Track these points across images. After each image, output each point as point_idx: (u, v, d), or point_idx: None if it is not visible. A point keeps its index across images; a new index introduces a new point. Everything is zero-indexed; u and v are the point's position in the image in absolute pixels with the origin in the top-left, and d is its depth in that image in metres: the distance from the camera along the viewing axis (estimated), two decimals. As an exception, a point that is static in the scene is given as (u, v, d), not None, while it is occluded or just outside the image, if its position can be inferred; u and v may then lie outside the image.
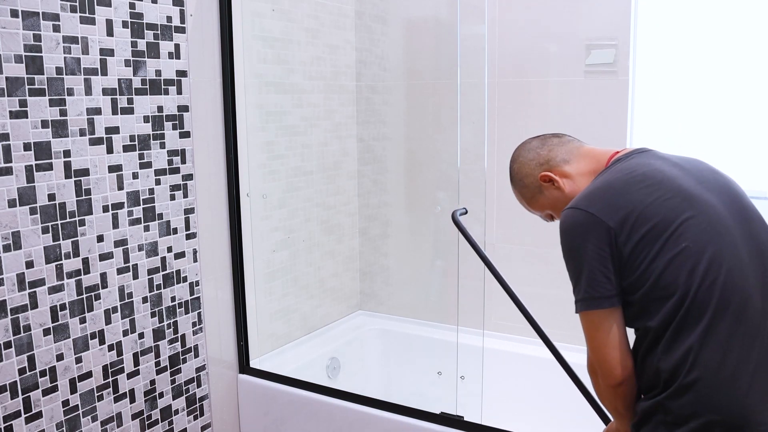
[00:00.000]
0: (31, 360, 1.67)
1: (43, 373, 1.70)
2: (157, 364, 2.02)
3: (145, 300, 1.96)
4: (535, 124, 2.49)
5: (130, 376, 1.93)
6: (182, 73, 2.01)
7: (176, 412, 2.10)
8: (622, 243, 1.15)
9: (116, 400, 1.90)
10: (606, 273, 1.15)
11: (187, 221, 2.08)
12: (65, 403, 1.76)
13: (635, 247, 1.14)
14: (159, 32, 1.93)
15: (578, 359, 2.27)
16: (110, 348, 1.86)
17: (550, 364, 2.34)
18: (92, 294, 1.80)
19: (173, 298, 2.05)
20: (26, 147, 1.61)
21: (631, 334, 1.22)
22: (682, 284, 1.11)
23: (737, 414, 1.07)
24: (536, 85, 2.50)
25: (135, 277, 1.92)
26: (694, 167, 1.25)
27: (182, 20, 1.99)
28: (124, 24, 1.82)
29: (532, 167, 1.37)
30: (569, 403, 2.38)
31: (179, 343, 2.09)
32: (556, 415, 2.34)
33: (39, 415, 1.70)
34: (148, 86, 1.91)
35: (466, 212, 1.91)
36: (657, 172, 1.20)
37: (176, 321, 2.07)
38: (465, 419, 1.95)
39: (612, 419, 1.32)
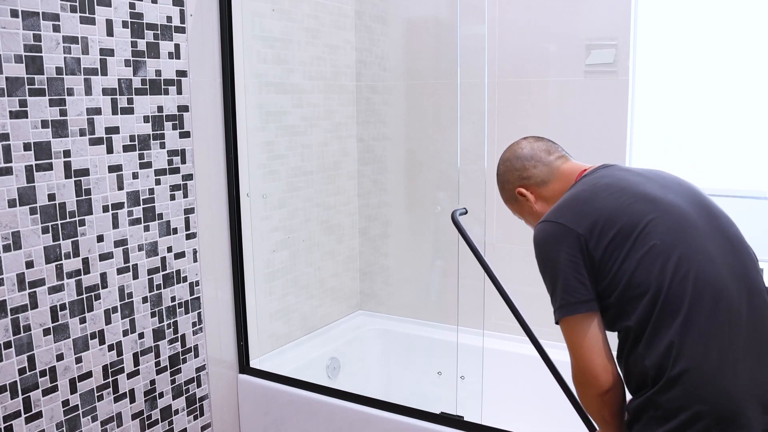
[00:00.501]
0: (31, 360, 1.67)
1: (43, 373, 1.70)
2: (157, 364, 2.02)
3: (145, 300, 1.96)
4: (535, 124, 2.49)
5: (130, 376, 1.93)
6: (182, 73, 2.01)
7: (176, 412, 2.10)
8: (592, 248, 1.19)
9: (116, 400, 1.90)
10: (580, 279, 1.19)
11: (187, 221, 2.08)
12: (65, 403, 1.76)
13: (605, 250, 1.18)
14: (159, 32, 1.93)
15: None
16: (110, 348, 1.87)
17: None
18: (92, 294, 1.80)
19: (173, 298, 2.05)
20: (26, 147, 1.61)
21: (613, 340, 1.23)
22: (654, 281, 1.14)
23: (724, 403, 1.09)
24: (536, 85, 2.50)
25: (135, 277, 1.92)
26: (657, 175, 1.31)
27: (182, 20, 1.99)
28: (124, 24, 1.82)
29: (514, 177, 1.45)
30: (569, 403, 2.38)
31: (179, 343, 2.09)
32: (555, 416, 2.34)
33: (39, 415, 1.70)
34: (148, 86, 1.91)
35: (466, 212, 1.92)
36: (620, 180, 1.26)
37: (176, 321, 2.07)
38: (465, 419, 1.95)
39: (597, 428, 1.32)
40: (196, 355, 2.16)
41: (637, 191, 1.23)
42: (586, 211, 1.22)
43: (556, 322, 1.24)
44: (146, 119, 1.91)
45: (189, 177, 2.07)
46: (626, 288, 1.16)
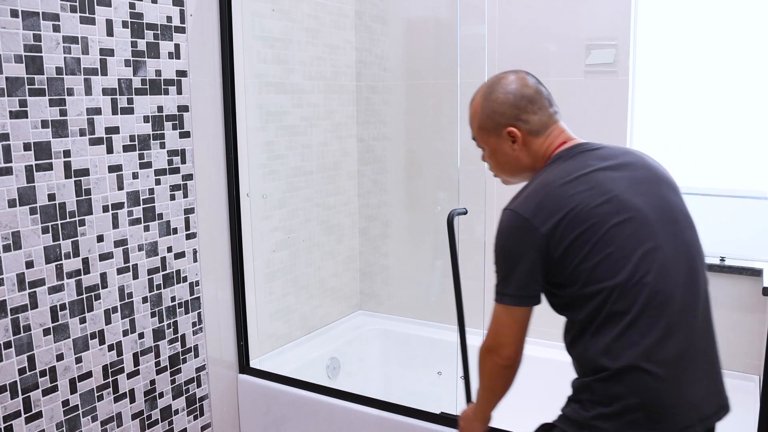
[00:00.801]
0: (31, 360, 1.67)
1: (43, 373, 1.70)
2: (157, 364, 2.02)
3: (145, 300, 1.96)
4: (535, 124, 2.49)
5: (130, 376, 1.93)
6: (182, 73, 2.01)
7: (176, 412, 2.10)
8: (553, 248, 1.22)
9: (116, 400, 1.90)
10: (534, 276, 1.25)
11: (187, 221, 2.08)
12: (65, 403, 1.76)
13: (565, 250, 1.21)
14: (159, 32, 1.93)
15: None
16: (110, 348, 1.87)
17: (550, 364, 2.34)
18: (92, 294, 1.80)
19: (173, 298, 2.05)
20: (26, 147, 1.61)
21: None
22: (607, 286, 1.18)
23: (655, 398, 1.16)
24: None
25: (135, 277, 1.92)
26: (630, 165, 1.29)
27: (182, 20, 1.99)
28: (124, 24, 1.82)
29: (511, 114, 1.34)
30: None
31: (179, 343, 2.09)
32: (555, 415, 2.34)
33: (39, 415, 1.70)
34: (148, 86, 1.91)
35: (466, 212, 1.92)
36: (591, 176, 1.25)
37: (176, 321, 2.07)
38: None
39: (473, 402, 1.48)
40: (196, 355, 2.16)
41: (604, 190, 1.23)
42: (553, 208, 1.22)
43: (496, 301, 1.30)
44: (146, 119, 1.91)
45: (189, 177, 2.07)
46: (581, 288, 1.21)
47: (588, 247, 1.20)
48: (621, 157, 1.31)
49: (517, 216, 1.26)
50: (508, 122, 1.34)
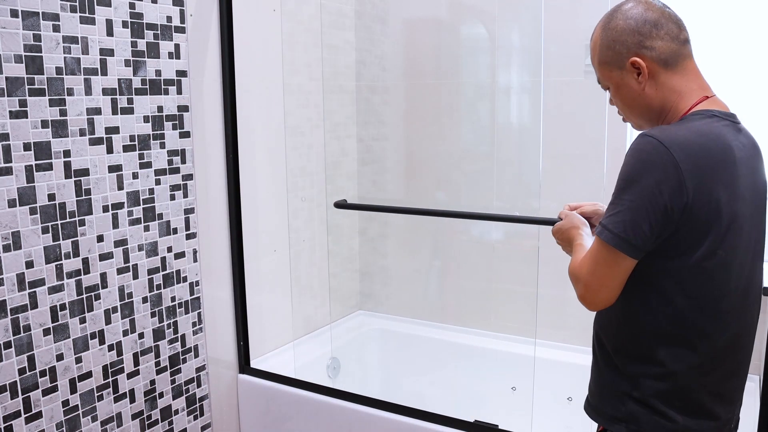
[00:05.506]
0: (31, 360, 1.67)
1: (43, 373, 1.70)
2: (157, 364, 2.02)
3: (145, 300, 1.96)
4: (535, 123, 2.49)
5: (130, 376, 1.93)
6: (182, 73, 2.01)
7: (176, 412, 2.10)
8: (688, 206, 1.07)
9: (116, 400, 1.90)
10: (651, 223, 1.07)
11: (187, 221, 2.08)
12: (65, 403, 1.76)
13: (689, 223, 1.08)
14: (159, 32, 1.93)
15: (579, 359, 2.28)
16: (110, 348, 1.86)
17: (550, 364, 2.34)
18: (92, 294, 1.80)
19: (173, 298, 2.05)
20: (26, 147, 1.61)
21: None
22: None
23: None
24: (536, 85, 2.50)
25: (135, 277, 1.92)
26: (750, 175, 1.17)
27: (182, 20, 1.99)
28: (124, 24, 1.82)
29: (633, 41, 1.17)
30: (572, 403, 2.39)
31: (179, 343, 2.09)
32: (554, 413, 2.34)
33: (39, 415, 1.70)
34: (148, 86, 1.91)
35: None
36: (735, 168, 1.12)
37: (176, 321, 2.07)
38: (470, 420, 1.94)
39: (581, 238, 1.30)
40: (196, 355, 2.16)
41: (737, 194, 1.11)
42: (705, 181, 1.07)
43: (599, 234, 1.13)
44: (146, 119, 1.91)
45: (189, 177, 2.07)
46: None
47: (714, 238, 1.13)
48: (748, 160, 1.19)
49: (667, 153, 1.08)
50: (631, 51, 1.17)
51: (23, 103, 1.59)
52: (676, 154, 1.06)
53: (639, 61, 1.17)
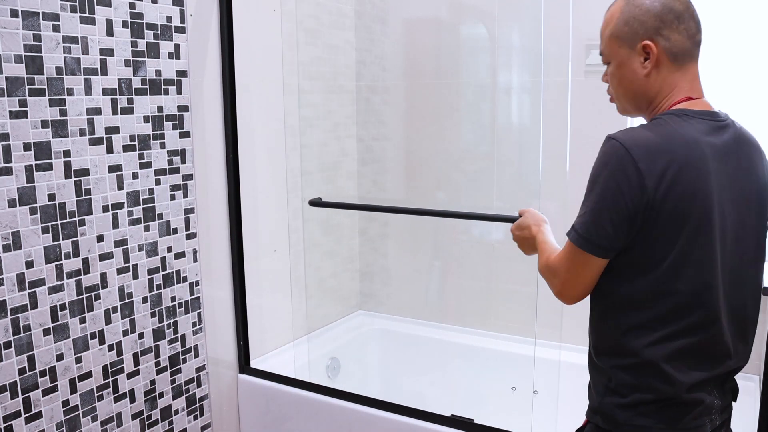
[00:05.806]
0: (31, 360, 1.67)
1: (43, 373, 1.70)
2: (157, 364, 2.02)
3: (145, 300, 1.96)
4: (535, 123, 2.49)
5: (130, 376, 1.93)
6: (182, 73, 2.01)
7: (176, 412, 2.10)
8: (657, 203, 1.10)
9: (116, 400, 1.90)
10: (615, 224, 1.10)
11: (187, 221, 2.08)
12: (65, 403, 1.76)
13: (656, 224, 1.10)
14: (159, 32, 1.93)
15: (578, 359, 2.28)
16: (110, 348, 1.87)
17: (550, 364, 2.34)
18: (92, 294, 1.80)
19: (173, 298, 2.05)
20: (26, 147, 1.61)
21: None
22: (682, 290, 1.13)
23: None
24: (536, 85, 2.50)
25: (135, 277, 1.92)
26: (736, 170, 1.18)
27: (182, 20, 1.99)
28: (124, 24, 1.82)
29: (652, 25, 1.16)
30: (572, 403, 2.38)
31: (179, 343, 2.09)
32: (553, 416, 2.34)
33: (39, 415, 1.70)
34: (148, 86, 1.91)
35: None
36: (707, 171, 1.12)
37: (176, 321, 2.07)
38: (474, 421, 1.94)
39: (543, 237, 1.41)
40: (196, 355, 2.16)
41: (709, 192, 1.12)
42: (692, 190, 1.09)
43: (567, 235, 1.17)
44: (146, 119, 1.91)
45: (189, 177, 2.07)
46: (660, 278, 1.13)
47: (693, 239, 1.15)
48: (736, 160, 1.22)
49: (629, 159, 1.11)
50: (647, 34, 1.16)
51: (23, 103, 1.59)
52: (636, 154, 1.09)
53: (651, 46, 1.16)
